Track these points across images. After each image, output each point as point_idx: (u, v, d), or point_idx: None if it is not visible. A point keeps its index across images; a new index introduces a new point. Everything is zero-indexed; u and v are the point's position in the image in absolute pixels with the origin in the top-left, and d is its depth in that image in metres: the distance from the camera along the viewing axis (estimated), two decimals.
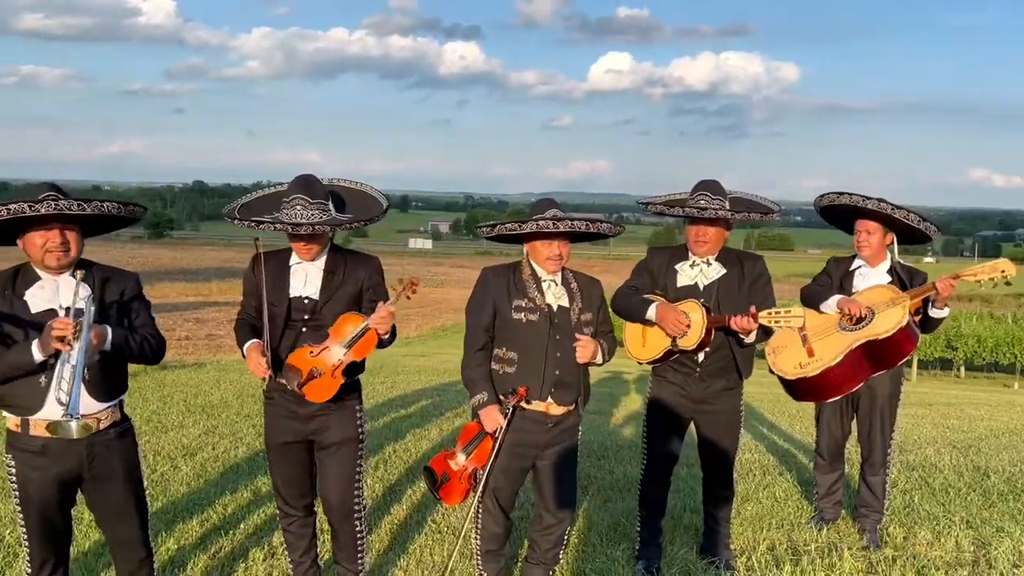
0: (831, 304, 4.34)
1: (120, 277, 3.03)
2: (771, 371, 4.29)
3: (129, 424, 3.06)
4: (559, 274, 3.55)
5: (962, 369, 24.03)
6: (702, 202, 3.85)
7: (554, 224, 3.35)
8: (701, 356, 3.91)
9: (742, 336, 3.80)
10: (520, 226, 3.38)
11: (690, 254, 3.99)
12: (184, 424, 7.05)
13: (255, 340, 3.24)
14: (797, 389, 4.24)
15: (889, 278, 4.41)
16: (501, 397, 3.42)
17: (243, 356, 3.24)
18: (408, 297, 3.24)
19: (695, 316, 3.81)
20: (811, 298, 4.38)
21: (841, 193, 4.31)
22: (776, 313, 3.65)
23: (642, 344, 4.00)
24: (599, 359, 3.55)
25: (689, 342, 3.80)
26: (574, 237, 3.49)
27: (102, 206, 2.82)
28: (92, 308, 2.82)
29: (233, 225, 3.23)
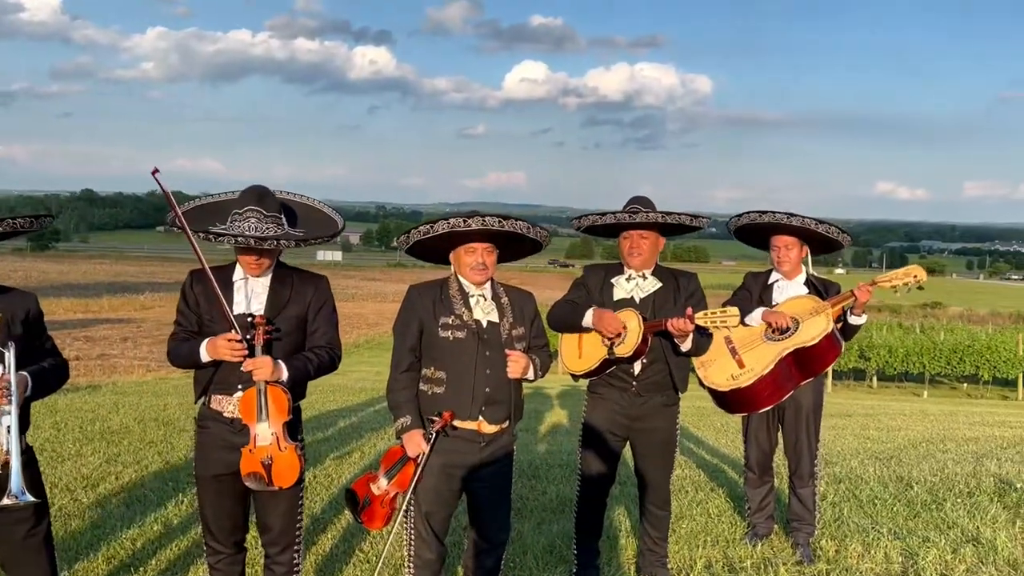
0: (756, 317, 4.47)
1: (20, 299, 2.91)
2: (702, 385, 4.39)
3: (32, 453, 2.95)
4: (488, 288, 3.56)
5: (874, 379, 25.12)
6: (636, 209, 3.93)
7: (464, 223, 3.35)
8: (638, 367, 3.96)
9: (678, 342, 3.86)
10: (432, 228, 3.38)
11: (625, 268, 4.06)
12: (82, 453, 6.81)
13: (212, 337, 3.13)
14: (730, 401, 4.34)
15: (806, 290, 4.59)
16: (428, 419, 3.41)
17: (198, 360, 3.13)
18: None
19: (631, 323, 3.87)
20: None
21: (763, 212, 4.48)
22: (712, 314, 3.71)
23: (578, 355, 4.03)
24: (531, 374, 3.55)
25: (626, 348, 3.84)
26: (500, 244, 3.51)
27: (14, 222, 2.75)
28: (12, 354, 2.75)
29: (170, 234, 3.12)
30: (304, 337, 3.26)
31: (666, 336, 3.89)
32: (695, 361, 4.36)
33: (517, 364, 3.46)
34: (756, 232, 4.62)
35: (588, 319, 3.93)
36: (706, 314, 3.70)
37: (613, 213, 3.96)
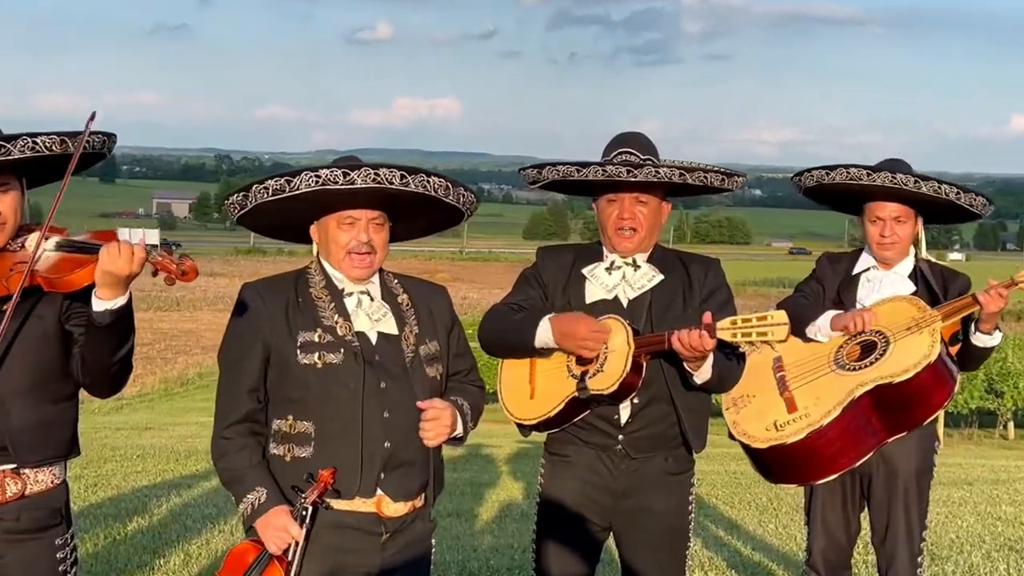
0: (822, 326, 4.50)
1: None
2: (731, 436, 4.42)
3: None
4: (375, 282, 3.63)
5: (1010, 426, 25.38)
6: (624, 158, 3.98)
7: (344, 176, 3.42)
8: (625, 412, 3.99)
9: (691, 369, 3.89)
10: (288, 183, 3.45)
11: (606, 252, 4.10)
12: None
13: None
14: (771, 463, 4.38)
15: (912, 286, 4.63)
16: (295, 489, 3.44)
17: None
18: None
19: (616, 340, 3.89)
20: (794, 320, 4.52)
21: (864, 168, 4.47)
22: (745, 322, 3.73)
23: (528, 393, 4.07)
24: (459, 430, 3.60)
25: (606, 381, 3.86)
26: (396, 213, 3.58)
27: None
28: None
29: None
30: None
31: (672, 359, 3.93)
32: (723, 399, 4.40)
33: (438, 421, 3.51)
34: (839, 194, 4.68)
35: (544, 333, 3.95)
36: (735, 323, 3.73)
37: (595, 165, 3.99)
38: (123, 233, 3.26)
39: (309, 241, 3.68)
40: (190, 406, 23.50)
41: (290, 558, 3.39)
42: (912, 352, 4.28)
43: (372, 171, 3.42)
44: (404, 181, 3.44)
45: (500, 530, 8.52)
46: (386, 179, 3.43)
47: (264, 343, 3.52)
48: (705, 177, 3.97)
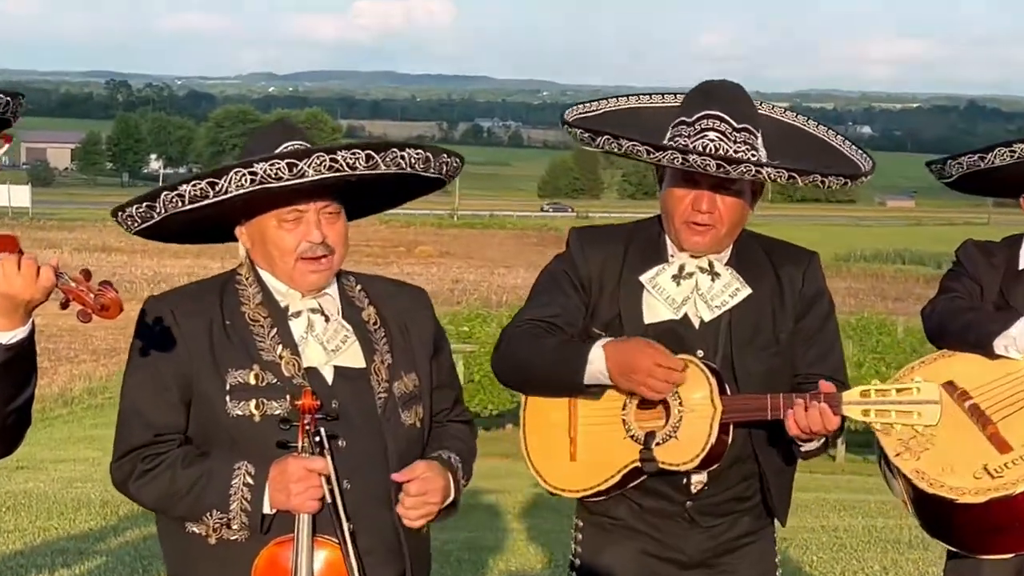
0: (1017, 336, 4.52)
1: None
2: (916, 492, 4.42)
3: None
4: (332, 293, 3.72)
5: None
6: (712, 139, 4.04)
7: (291, 169, 3.42)
8: (699, 476, 4.13)
9: (799, 443, 4.02)
10: (212, 186, 3.45)
11: (671, 248, 4.21)
12: None
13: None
14: (986, 524, 4.38)
15: None
16: (282, 426, 3.56)
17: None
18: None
19: (694, 394, 3.99)
20: (961, 331, 4.58)
21: None
22: (881, 394, 3.84)
23: (567, 454, 4.15)
24: (451, 495, 3.72)
25: (682, 455, 3.98)
26: (354, 193, 3.65)
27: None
28: None
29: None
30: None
31: (763, 427, 4.09)
32: (883, 441, 4.47)
33: (423, 499, 3.61)
34: (999, 180, 4.77)
35: (598, 365, 4.02)
36: (866, 395, 3.87)
37: (673, 150, 4.02)
38: None
39: (232, 240, 3.74)
40: (77, 434, 23.49)
41: (334, 507, 3.48)
42: None
43: (327, 156, 3.44)
44: (372, 163, 3.49)
45: None
46: (346, 164, 3.47)
47: (182, 385, 3.57)
48: (823, 181, 4.06)
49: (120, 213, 3.63)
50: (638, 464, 4.00)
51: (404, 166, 3.53)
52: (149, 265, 66.14)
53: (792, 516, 4.43)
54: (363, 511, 3.55)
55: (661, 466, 3.97)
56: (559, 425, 4.16)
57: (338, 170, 3.44)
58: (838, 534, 11.61)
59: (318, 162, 3.41)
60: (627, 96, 4.45)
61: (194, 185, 3.47)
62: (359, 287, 3.76)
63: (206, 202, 3.47)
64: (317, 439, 3.47)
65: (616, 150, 4.13)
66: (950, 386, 4.48)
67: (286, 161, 3.40)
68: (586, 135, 4.18)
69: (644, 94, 4.44)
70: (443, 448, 3.74)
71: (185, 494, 3.52)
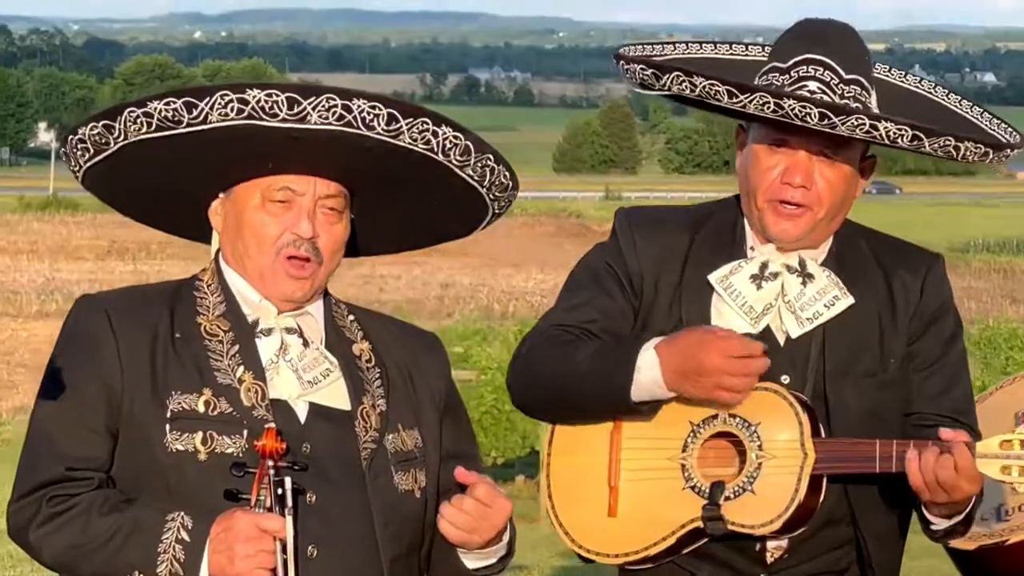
0: None
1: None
2: None
3: None
4: (314, 310, 3.75)
5: None
6: (812, 91, 4.03)
7: (291, 105, 3.43)
8: (778, 542, 4.13)
9: (928, 507, 4.00)
10: (189, 107, 3.46)
11: (750, 237, 4.24)
12: None
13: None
14: None
15: None
16: (233, 472, 3.57)
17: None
18: None
19: (779, 434, 4.00)
20: None
21: None
22: None
23: (605, 507, 4.16)
24: (504, 541, 3.73)
25: (760, 514, 4.00)
26: (373, 184, 3.66)
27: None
28: None
29: None
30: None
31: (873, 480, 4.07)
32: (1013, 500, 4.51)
33: (484, 513, 3.61)
34: None
35: (649, 373, 4.02)
36: (1008, 445, 3.87)
37: (761, 92, 4.02)
38: None
39: (205, 232, 3.75)
40: None
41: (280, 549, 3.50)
42: None
43: (339, 101, 3.43)
44: (395, 129, 3.46)
45: None
46: (361, 120, 3.44)
47: (109, 408, 3.57)
48: (957, 147, 4.01)
49: (71, 138, 3.59)
50: (700, 524, 3.98)
51: (435, 148, 3.51)
52: (39, 270, 66.41)
53: None
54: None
55: (730, 528, 3.96)
56: (595, 470, 4.15)
57: (349, 123, 3.43)
58: None
59: (327, 105, 3.41)
60: (699, 43, 4.41)
61: (167, 103, 3.44)
62: (351, 317, 3.79)
63: (179, 130, 3.47)
64: (279, 492, 3.45)
65: (687, 92, 4.07)
66: None
67: (286, 95, 3.40)
68: (648, 72, 4.14)
69: (721, 42, 4.41)
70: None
71: (100, 547, 3.50)
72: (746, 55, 4.32)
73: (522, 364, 4.18)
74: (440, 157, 3.53)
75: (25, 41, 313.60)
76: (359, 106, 3.42)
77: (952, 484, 3.80)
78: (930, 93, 4.27)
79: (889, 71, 4.23)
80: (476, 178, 3.61)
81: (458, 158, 3.54)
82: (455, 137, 3.51)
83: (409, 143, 3.48)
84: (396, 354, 3.76)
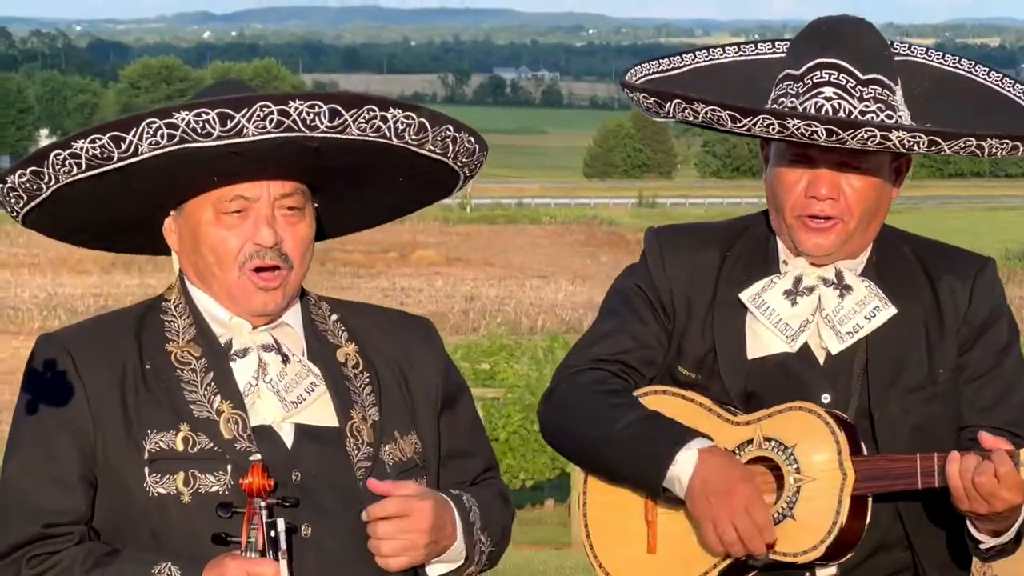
0: None
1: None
2: None
3: None
4: (291, 319, 3.75)
5: None
6: (829, 97, 4.02)
7: (224, 122, 3.40)
8: (829, 573, 4.12)
9: (976, 524, 3.99)
10: (115, 144, 3.44)
11: (783, 252, 4.24)
12: None
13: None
14: None
15: None
16: (219, 512, 3.61)
17: None
18: None
19: (815, 455, 3.98)
20: None
21: None
22: None
23: (644, 544, 4.17)
24: (456, 548, 3.72)
25: (801, 541, 4.00)
26: (319, 185, 3.69)
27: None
28: None
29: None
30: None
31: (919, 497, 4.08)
32: None
33: (401, 529, 3.59)
34: None
35: (683, 468, 4.01)
36: None
37: (763, 114, 4.03)
38: None
39: (162, 246, 3.75)
40: None
41: None
42: None
43: (275, 108, 3.40)
44: (339, 124, 3.45)
45: None
46: (301, 122, 3.42)
47: (83, 457, 3.57)
48: (980, 146, 4.01)
49: (1, 187, 3.58)
50: (741, 556, 3.98)
51: (387, 133, 3.49)
52: (41, 284, 66.42)
53: None
54: None
55: (773, 557, 3.97)
56: (632, 506, 4.16)
57: (289, 128, 3.40)
58: None
59: (262, 114, 3.37)
60: (722, 47, 4.40)
61: (92, 141, 3.42)
62: (334, 317, 3.78)
63: (111, 166, 3.44)
64: (272, 534, 3.44)
65: (691, 118, 4.12)
66: None
67: (217, 111, 3.36)
68: (651, 101, 4.17)
69: (745, 43, 4.41)
70: (461, 492, 3.75)
71: None
72: (773, 53, 4.32)
73: (557, 410, 4.19)
74: (395, 141, 3.52)
75: (26, 44, 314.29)
76: (296, 108, 3.39)
77: (991, 491, 3.79)
78: (971, 73, 4.27)
79: (926, 53, 4.21)
80: (439, 152, 3.61)
81: (414, 137, 3.54)
82: (406, 118, 3.50)
83: (359, 134, 3.47)
84: (386, 351, 3.77)
